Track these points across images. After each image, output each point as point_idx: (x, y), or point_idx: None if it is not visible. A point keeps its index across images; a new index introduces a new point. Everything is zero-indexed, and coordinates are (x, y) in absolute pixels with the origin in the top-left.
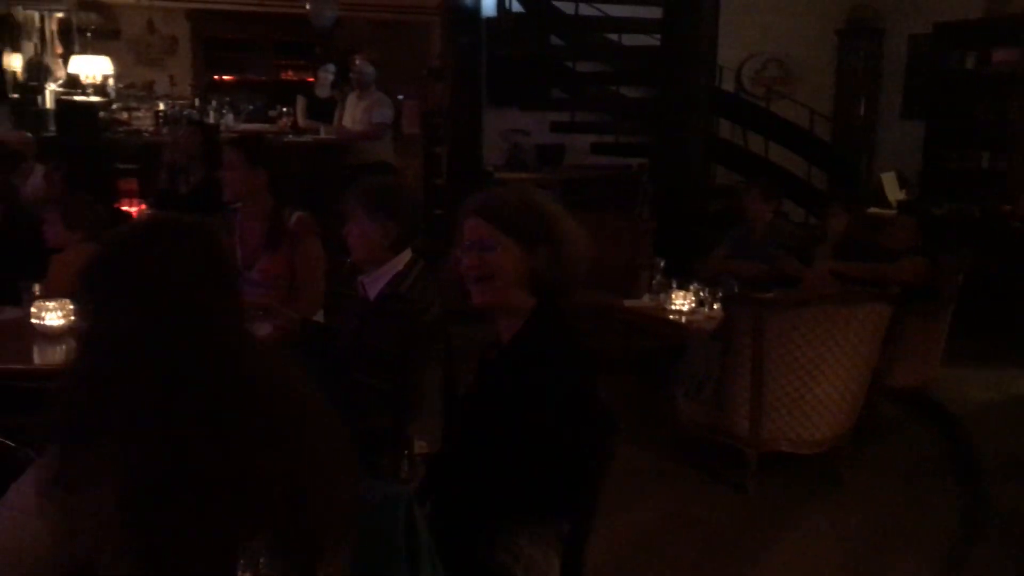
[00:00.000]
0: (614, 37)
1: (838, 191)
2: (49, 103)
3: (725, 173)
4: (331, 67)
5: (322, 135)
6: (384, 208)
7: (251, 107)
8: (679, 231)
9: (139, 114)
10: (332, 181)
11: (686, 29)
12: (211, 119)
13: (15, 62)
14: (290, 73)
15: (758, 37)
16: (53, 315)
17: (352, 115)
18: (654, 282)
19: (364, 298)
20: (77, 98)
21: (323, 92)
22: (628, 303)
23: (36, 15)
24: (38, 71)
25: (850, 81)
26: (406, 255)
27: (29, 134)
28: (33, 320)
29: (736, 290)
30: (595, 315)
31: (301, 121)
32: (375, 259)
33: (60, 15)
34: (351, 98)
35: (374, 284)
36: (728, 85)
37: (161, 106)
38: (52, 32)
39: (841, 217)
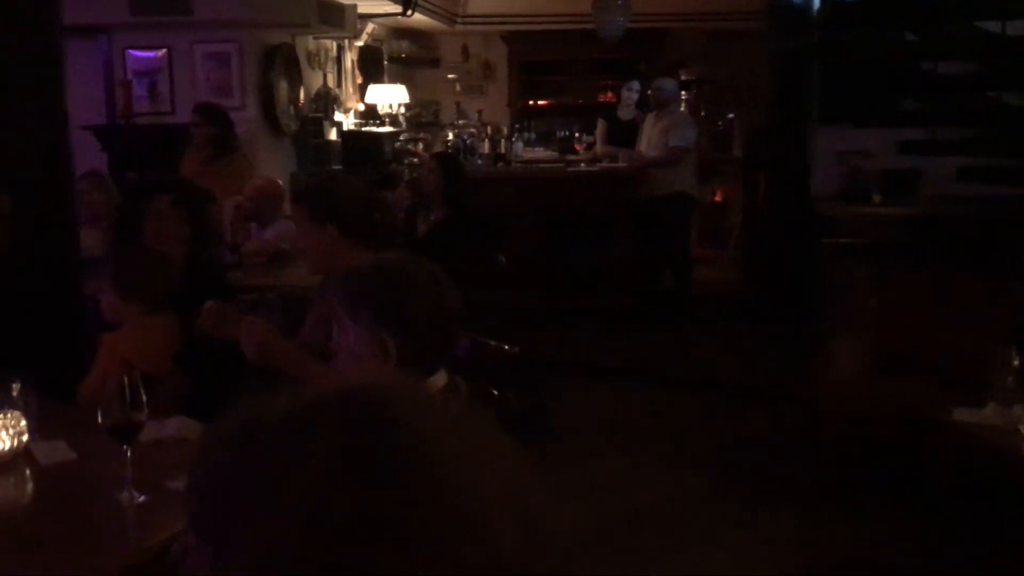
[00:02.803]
0: (993, 26)
1: None
2: (334, 135)
3: None
4: (635, 85)
5: (620, 162)
6: (376, 311)
7: (565, 133)
8: None
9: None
10: (620, 217)
11: None
12: (502, 148)
13: (292, 94)
14: (609, 94)
15: None
16: None
17: (648, 138)
18: (1006, 384)
19: None
20: (364, 129)
21: (626, 114)
22: (960, 415)
23: (332, 45)
24: (325, 103)
25: None
26: (427, 388)
27: None
28: None
29: None
30: (910, 424)
31: (599, 147)
32: None
33: (360, 44)
34: (649, 119)
35: None
36: None
37: (450, 136)
38: (353, 61)
39: None
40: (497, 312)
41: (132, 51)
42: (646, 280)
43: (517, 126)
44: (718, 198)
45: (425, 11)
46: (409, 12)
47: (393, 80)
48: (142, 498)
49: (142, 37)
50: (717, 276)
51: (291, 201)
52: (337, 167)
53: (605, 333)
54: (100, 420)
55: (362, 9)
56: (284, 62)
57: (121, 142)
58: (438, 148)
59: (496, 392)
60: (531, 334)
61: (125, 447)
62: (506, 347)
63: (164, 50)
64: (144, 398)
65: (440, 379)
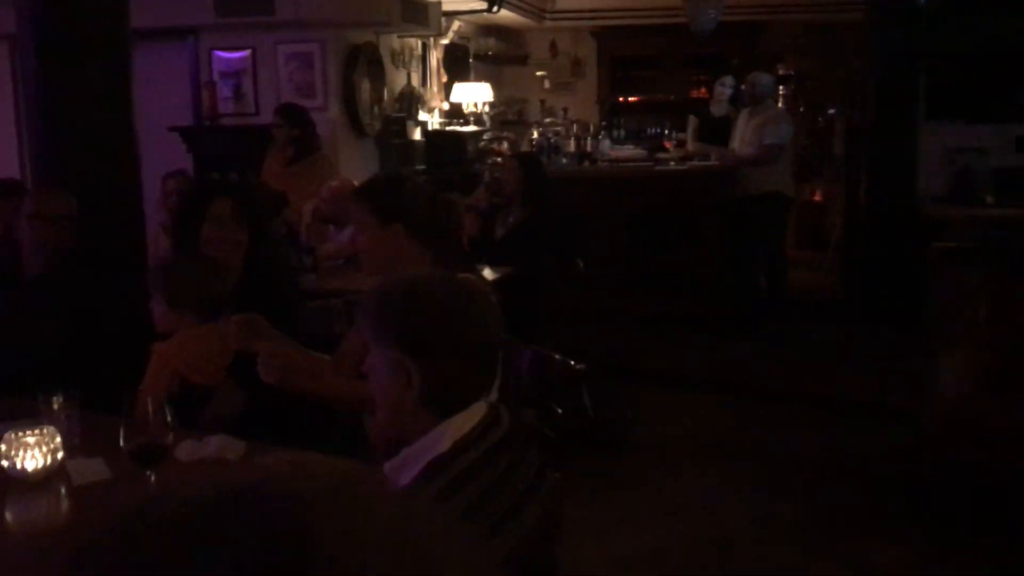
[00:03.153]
0: None
1: None
2: (419, 135)
3: None
4: (729, 80)
5: (712, 160)
6: (399, 334)
7: (656, 130)
8: None
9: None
10: (710, 218)
11: None
12: (587, 146)
13: (375, 93)
14: (703, 90)
15: None
16: (29, 454)
17: (742, 136)
18: None
19: None
20: (447, 128)
21: (718, 110)
22: None
23: (417, 43)
24: (409, 102)
25: None
26: (462, 420)
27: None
28: (2, 462)
29: None
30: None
31: (690, 144)
32: (396, 428)
33: (445, 42)
34: (743, 115)
35: (394, 478)
36: None
37: (535, 134)
38: (439, 60)
39: None
40: (578, 317)
41: (218, 52)
42: (738, 284)
43: (605, 123)
44: (817, 198)
45: (512, 7)
46: (495, 8)
47: (479, 78)
48: None
49: (227, 38)
50: (815, 281)
51: (353, 198)
52: (420, 167)
53: (693, 341)
54: (122, 443)
55: (447, 6)
56: (367, 61)
57: (206, 143)
58: (523, 147)
59: (560, 410)
60: (614, 340)
61: (149, 473)
62: (572, 363)
63: (249, 51)
64: (169, 419)
65: (477, 411)
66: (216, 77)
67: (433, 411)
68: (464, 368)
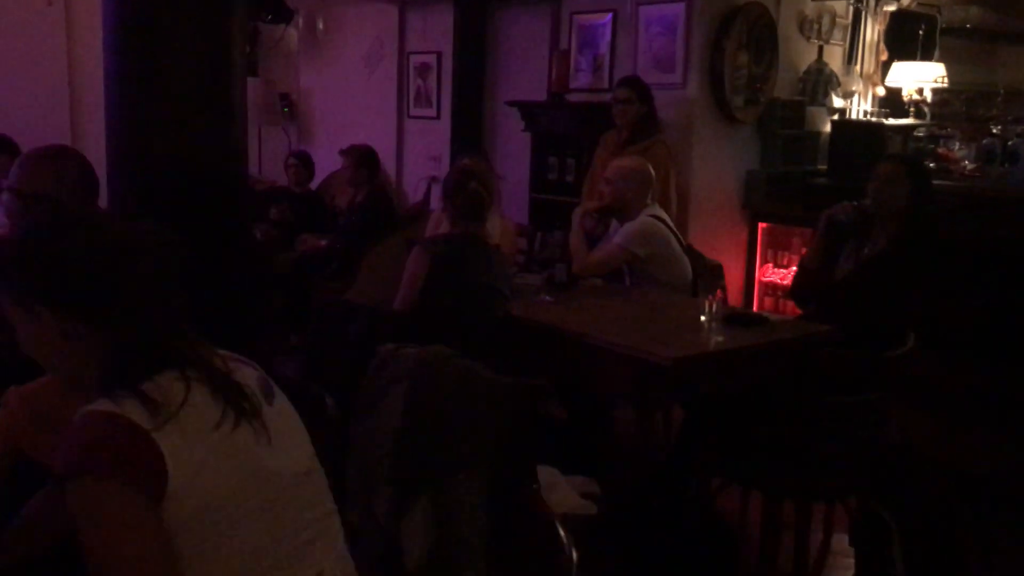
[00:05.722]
0: None
1: None
2: (828, 126)
3: None
4: None
5: None
6: None
7: None
8: None
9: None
10: None
11: None
12: None
13: (757, 69)
14: None
15: None
16: None
17: None
18: None
19: None
20: (866, 120)
21: None
22: None
23: (846, 9)
24: (815, 83)
25: None
26: None
27: None
28: None
29: None
30: None
31: None
32: None
33: (892, 8)
34: None
35: None
36: None
37: (993, 131)
38: (880, 32)
39: None
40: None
41: (579, 17)
42: None
43: None
44: None
45: None
46: None
47: (945, 59)
48: None
49: (591, 1)
50: None
51: None
52: (819, 167)
53: None
54: None
55: None
56: (748, 28)
57: (543, 120)
58: (973, 149)
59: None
60: None
61: None
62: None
63: (610, 14)
64: None
65: None
66: (576, 46)
67: None
68: None
